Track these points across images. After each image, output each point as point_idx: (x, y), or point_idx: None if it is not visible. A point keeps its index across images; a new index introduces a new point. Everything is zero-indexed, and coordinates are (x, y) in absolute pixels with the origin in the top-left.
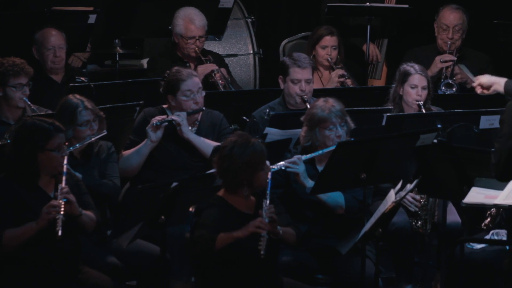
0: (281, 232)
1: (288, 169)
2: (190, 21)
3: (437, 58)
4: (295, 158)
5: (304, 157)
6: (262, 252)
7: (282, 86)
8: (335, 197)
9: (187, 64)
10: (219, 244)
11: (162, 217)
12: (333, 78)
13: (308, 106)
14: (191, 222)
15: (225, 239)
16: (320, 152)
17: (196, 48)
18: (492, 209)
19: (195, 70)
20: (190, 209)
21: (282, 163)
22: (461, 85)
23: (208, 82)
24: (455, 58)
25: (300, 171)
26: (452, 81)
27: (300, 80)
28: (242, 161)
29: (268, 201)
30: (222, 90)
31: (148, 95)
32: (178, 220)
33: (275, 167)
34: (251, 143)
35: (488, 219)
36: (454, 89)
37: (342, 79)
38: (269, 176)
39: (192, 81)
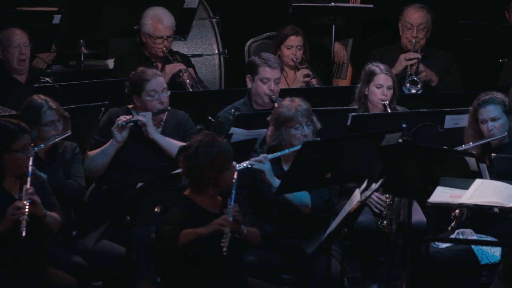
0: (246, 231)
1: (254, 167)
2: (158, 21)
3: (402, 56)
4: (261, 156)
5: (270, 156)
6: (224, 249)
7: (249, 86)
8: (301, 197)
9: (154, 64)
10: (182, 240)
11: (128, 217)
12: (298, 78)
13: (275, 105)
14: (156, 222)
15: (189, 235)
16: (286, 151)
17: (164, 48)
18: (457, 210)
19: (162, 69)
20: (156, 209)
21: (248, 161)
22: (426, 83)
23: (175, 82)
24: (420, 56)
25: (266, 169)
26: (417, 78)
27: (270, 79)
28: (208, 160)
29: (233, 200)
30: (190, 90)
31: (113, 96)
32: (143, 221)
33: (241, 165)
34: (217, 142)
35: (454, 220)
36: (419, 86)
37: (307, 79)
38: (235, 175)
39: (157, 81)
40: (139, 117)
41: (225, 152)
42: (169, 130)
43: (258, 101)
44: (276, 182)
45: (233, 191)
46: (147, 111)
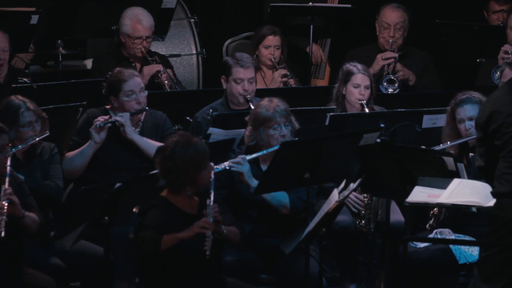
0: (225, 231)
1: (232, 169)
2: (137, 21)
3: (379, 56)
4: (239, 158)
5: (248, 157)
6: (207, 253)
7: (224, 86)
8: (280, 198)
9: (133, 64)
10: (164, 245)
11: (106, 218)
12: (276, 78)
13: (251, 105)
14: (135, 222)
15: (170, 240)
16: (264, 152)
17: (143, 49)
18: (435, 209)
19: (141, 70)
20: (134, 209)
21: (226, 163)
22: (403, 82)
23: (154, 82)
24: (397, 55)
25: (244, 171)
26: (394, 77)
27: (243, 79)
28: (184, 161)
29: (212, 201)
30: (168, 91)
31: (91, 96)
32: (121, 221)
33: (219, 167)
34: (193, 143)
35: (432, 219)
36: (396, 85)
37: (285, 79)
38: (212, 175)
39: (134, 81)
40: (117, 118)
41: (201, 152)
42: (147, 131)
43: (233, 101)
44: (254, 182)
45: (212, 191)
46: (125, 112)
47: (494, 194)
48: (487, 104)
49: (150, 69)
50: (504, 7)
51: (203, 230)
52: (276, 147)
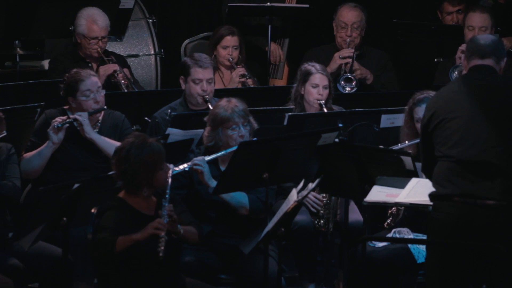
0: (182, 231)
1: (194, 167)
2: (93, 21)
3: (336, 55)
4: (199, 159)
5: (207, 157)
6: (161, 254)
7: (183, 87)
8: (239, 198)
9: (90, 65)
10: (119, 247)
11: (64, 218)
12: (234, 78)
13: (210, 106)
14: (93, 223)
15: (125, 241)
16: (223, 152)
17: (99, 49)
18: (393, 208)
19: (97, 70)
20: (92, 210)
21: (185, 164)
22: (361, 81)
23: (110, 82)
24: (353, 51)
25: (204, 171)
26: (351, 75)
27: (202, 80)
28: (140, 162)
29: (167, 201)
30: (125, 90)
31: (49, 97)
32: (80, 222)
33: (177, 169)
34: (148, 143)
35: (390, 219)
36: (353, 83)
37: (243, 79)
38: (170, 175)
39: (91, 80)
40: (76, 116)
41: (156, 152)
42: (105, 131)
43: (192, 101)
44: (213, 183)
45: (168, 191)
46: (83, 112)
47: (433, 196)
48: (430, 104)
49: (106, 69)
50: (458, 7)
51: (157, 231)
52: (234, 148)
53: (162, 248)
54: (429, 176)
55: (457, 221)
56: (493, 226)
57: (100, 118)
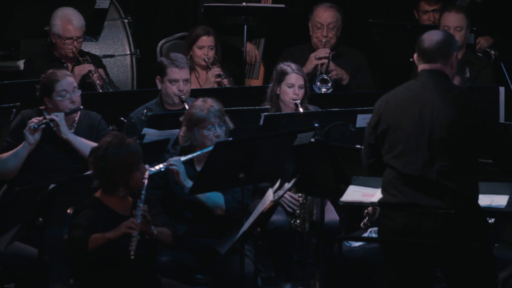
0: (156, 232)
1: (170, 167)
2: (68, 21)
3: (312, 55)
4: (175, 159)
5: (183, 158)
6: (132, 253)
7: (159, 87)
8: (215, 198)
9: (65, 65)
10: (91, 245)
11: (40, 219)
12: (210, 78)
13: (186, 106)
14: (69, 224)
15: (98, 240)
16: (199, 152)
17: (74, 49)
18: (369, 207)
19: (72, 70)
20: (68, 210)
21: (160, 165)
22: (337, 81)
23: (85, 83)
24: (329, 51)
25: (180, 171)
26: (327, 76)
27: (178, 80)
28: (117, 161)
29: (142, 201)
30: (100, 91)
31: (25, 97)
32: (56, 222)
33: (153, 169)
34: (126, 143)
35: (366, 218)
36: (329, 84)
37: (219, 79)
38: (146, 176)
39: (66, 81)
40: (52, 116)
41: (134, 152)
42: (82, 131)
43: (168, 101)
44: (189, 183)
45: (143, 192)
46: (59, 112)
47: (382, 204)
48: (376, 107)
49: (81, 69)
50: (435, 6)
51: (130, 230)
52: (210, 148)
53: (134, 247)
54: (374, 172)
55: (405, 228)
56: (442, 234)
57: (77, 118)
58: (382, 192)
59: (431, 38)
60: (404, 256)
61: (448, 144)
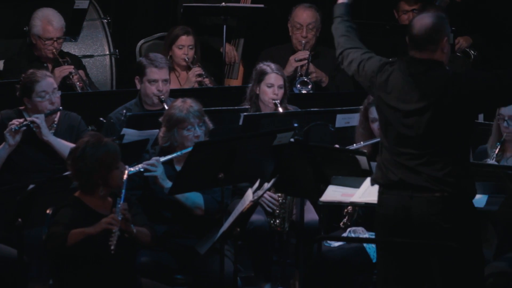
0: (135, 230)
1: (146, 174)
2: (48, 22)
3: (291, 58)
4: (154, 160)
5: (162, 158)
6: (112, 248)
7: (138, 87)
8: (194, 199)
9: (45, 65)
10: (71, 240)
11: (19, 219)
12: (191, 77)
13: (166, 106)
14: (48, 224)
15: (77, 235)
16: (179, 153)
17: (54, 50)
18: (349, 207)
19: (52, 71)
20: (48, 211)
21: (140, 165)
22: (316, 83)
23: (66, 84)
24: (308, 53)
25: (158, 174)
26: (307, 79)
27: (157, 80)
28: (95, 161)
29: (122, 199)
30: (80, 91)
31: (4, 98)
32: (35, 223)
33: (132, 169)
34: (104, 143)
35: (346, 218)
36: (309, 86)
37: (200, 79)
38: (125, 175)
39: (46, 81)
40: (33, 118)
41: (112, 152)
42: (62, 132)
43: (148, 101)
44: (168, 184)
45: (123, 190)
46: (38, 113)
47: (374, 181)
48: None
49: (62, 71)
50: (414, 6)
51: (110, 226)
52: (189, 149)
53: (114, 242)
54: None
55: (395, 213)
56: (431, 216)
57: (56, 119)
58: (376, 169)
59: (420, 24)
60: (397, 247)
61: (432, 136)
